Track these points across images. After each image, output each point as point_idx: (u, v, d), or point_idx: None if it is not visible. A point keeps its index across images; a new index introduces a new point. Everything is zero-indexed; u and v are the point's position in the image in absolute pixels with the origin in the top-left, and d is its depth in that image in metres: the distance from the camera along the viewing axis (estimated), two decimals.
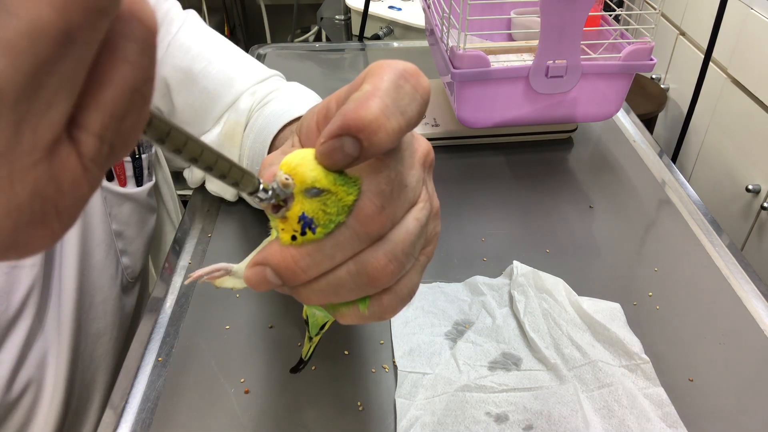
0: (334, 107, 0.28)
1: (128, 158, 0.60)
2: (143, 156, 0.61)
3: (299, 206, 0.25)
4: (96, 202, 0.57)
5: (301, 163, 0.25)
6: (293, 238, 0.26)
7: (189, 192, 0.68)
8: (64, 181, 0.16)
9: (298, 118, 0.51)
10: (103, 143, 0.16)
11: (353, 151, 0.23)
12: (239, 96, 0.59)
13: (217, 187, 0.63)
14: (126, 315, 0.63)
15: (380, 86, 0.24)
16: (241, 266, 0.31)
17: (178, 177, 0.70)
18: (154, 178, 0.65)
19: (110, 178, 0.59)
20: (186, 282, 0.32)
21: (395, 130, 0.24)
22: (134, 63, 0.16)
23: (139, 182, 0.62)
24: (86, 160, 0.16)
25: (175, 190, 0.72)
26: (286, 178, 0.25)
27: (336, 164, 0.24)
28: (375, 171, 0.25)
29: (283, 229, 0.26)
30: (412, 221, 0.27)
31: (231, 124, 0.58)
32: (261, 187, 0.25)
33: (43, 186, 0.15)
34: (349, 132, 0.23)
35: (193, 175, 0.64)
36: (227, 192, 0.62)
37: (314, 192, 0.25)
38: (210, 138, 0.60)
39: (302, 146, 0.30)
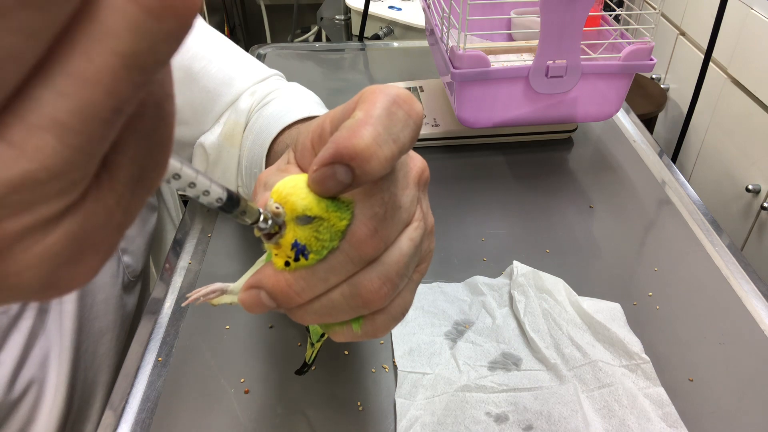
0: (328, 128, 0.28)
1: None
2: None
3: (292, 234, 0.25)
4: None
5: (292, 192, 0.25)
6: (286, 263, 0.26)
7: None
8: (99, 216, 0.15)
9: (297, 122, 0.51)
10: (134, 165, 0.16)
11: (346, 179, 0.23)
12: (239, 95, 0.59)
13: None
14: (127, 314, 0.63)
15: (372, 113, 0.24)
16: (237, 285, 0.31)
17: None
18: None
19: None
20: (183, 305, 0.32)
21: (388, 157, 0.24)
22: (156, 79, 0.16)
23: None
24: (119, 186, 0.16)
25: (175, 189, 0.72)
26: (277, 207, 0.25)
27: (328, 192, 0.24)
28: (368, 194, 0.25)
29: (276, 254, 0.26)
30: (406, 242, 0.27)
31: (231, 125, 0.58)
32: (261, 218, 0.25)
33: (78, 228, 0.15)
34: (341, 160, 0.23)
35: None
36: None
37: (306, 220, 0.25)
38: (210, 138, 0.60)
39: (297, 162, 0.30)
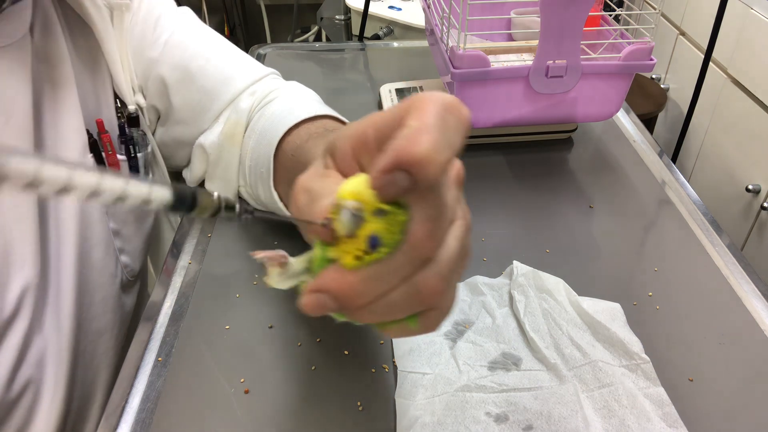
0: (372, 135, 0.29)
1: (124, 157, 0.59)
2: (139, 155, 0.61)
3: (370, 227, 0.26)
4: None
5: (364, 190, 0.26)
6: (358, 258, 0.27)
7: None
8: None
9: (304, 122, 0.52)
10: None
11: (406, 185, 0.25)
12: (237, 95, 0.59)
13: (216, 188, 0.63)
14: (126, 313, 0.63)
15: (428, 121, 0.25)
16: (294, 270, 0.31)
17: (178, 177, 0.70)
18: (151, 177, 0.65)
19: None
20: (257, 256, 0.32)
21: (444, 163, 0.25)
22: None
23: None
24: None
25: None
26: (357, 204, 0.26)
27: (389, 196, 0.26)
28: (421, 197, 0.26)
29: (347, 252, 0.27)
30: (453, 240, 0.28)
31: (231, 124, 0.58)
32: (222, 206, 0.26)
33: None
34: (401, 167, 0.24)
35: (192, 174, 0.64)
36: (228, 191, 0.62)
37: (381, 213, 0.26)
38: (210, 138, 0.60)
39: (337, 168, 0.31)
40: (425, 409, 0.44)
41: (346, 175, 0.30)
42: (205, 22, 0.64)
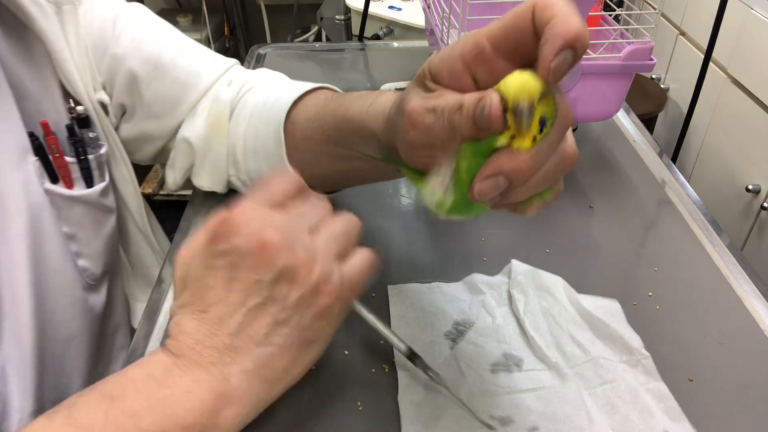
0: (487, 46, 0.32)
1: (74, 159, 0.57)
2: (90, 157, 0.58)
3: (540, 110, 0.30)
4: (44, 206, 0.54)
5: (528, 79, 0.30)
6: (533, 139, 0.31)
7: (188, 192, 0.68)
8: None
9: (303, 96, 0.54)
10: None
11: (572, 60, 0.29)
12: (211, 84, 0.60)
13: (205, 181, 0.62)
14: (96, 316, 0.60)
15: (566, 8, 0.29)
16: (443, 178, 0.34)
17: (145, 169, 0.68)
18: (107, 178, 0.61)
19: (55, 181, 0.55)
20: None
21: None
22: None
23: (89, 183, 0.59)
24: None
25: (139, 188, 0.68)
26: (532, 96, 0.30)
27: (560, 77, 0.29)
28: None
29: (523, 136, 0.31)
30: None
31: (215, 116, 0.58)
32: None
33: None
34: (568, 45, 0.29)
35: (176, 171, 0.62)
36: (218, 182, 0.62)
37: (544, 95, 0.30)
38: (195, 131, 0.59)
39: (446, 87, 0.34)
40: (431, 415, 0.44)
41: (459, 90, 0.33)
42: (205, 22, 0.64)
